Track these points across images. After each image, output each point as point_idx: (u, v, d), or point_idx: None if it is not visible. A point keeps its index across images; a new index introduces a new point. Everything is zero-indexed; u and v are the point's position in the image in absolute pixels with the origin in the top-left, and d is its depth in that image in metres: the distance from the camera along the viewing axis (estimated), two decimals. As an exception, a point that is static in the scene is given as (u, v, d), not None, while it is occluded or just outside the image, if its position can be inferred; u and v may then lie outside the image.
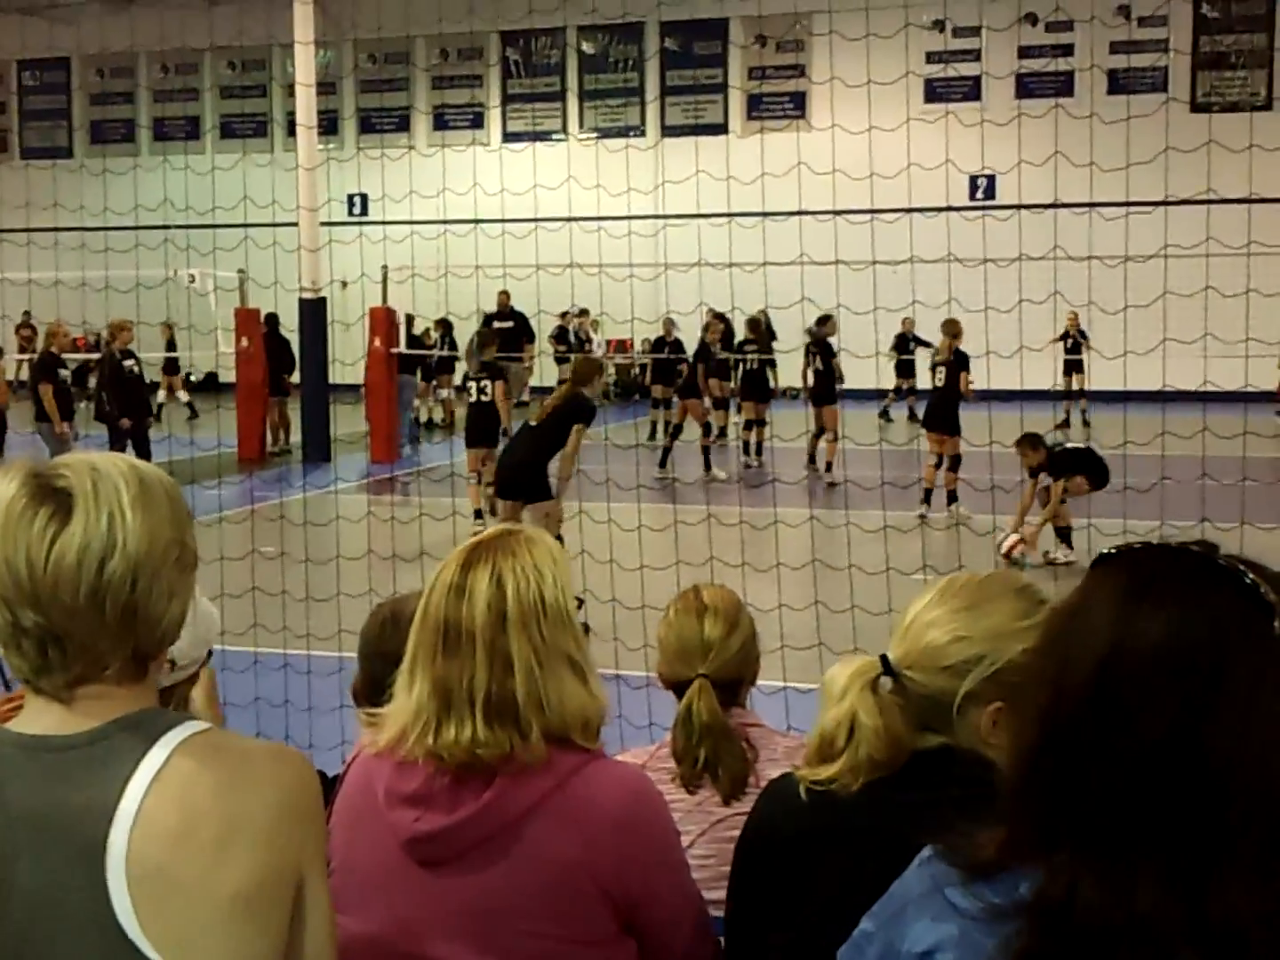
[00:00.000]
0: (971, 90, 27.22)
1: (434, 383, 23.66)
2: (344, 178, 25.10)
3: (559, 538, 8.70)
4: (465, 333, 21.42)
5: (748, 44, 29.16)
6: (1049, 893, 1.27)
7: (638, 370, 28.68)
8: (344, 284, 20.35)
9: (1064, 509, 11.51)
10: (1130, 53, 26.70)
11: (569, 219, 10.59)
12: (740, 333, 19.43)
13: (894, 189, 9.42)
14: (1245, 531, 6.61)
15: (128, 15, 25.44)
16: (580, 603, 2.24)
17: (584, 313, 24.20)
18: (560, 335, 24.70)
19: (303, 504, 10.36)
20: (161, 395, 22.54)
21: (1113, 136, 9.95)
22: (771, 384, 19.03)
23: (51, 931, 1.53)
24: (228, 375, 21.10)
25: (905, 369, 22.30)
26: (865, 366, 13.10)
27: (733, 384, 19.30)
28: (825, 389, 16.82)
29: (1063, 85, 26.67)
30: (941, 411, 13.84)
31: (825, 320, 16.77)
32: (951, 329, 13.94)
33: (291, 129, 20.53)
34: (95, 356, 16.62)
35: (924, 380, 16.07)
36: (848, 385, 17.47)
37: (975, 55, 27.41)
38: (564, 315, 22.75)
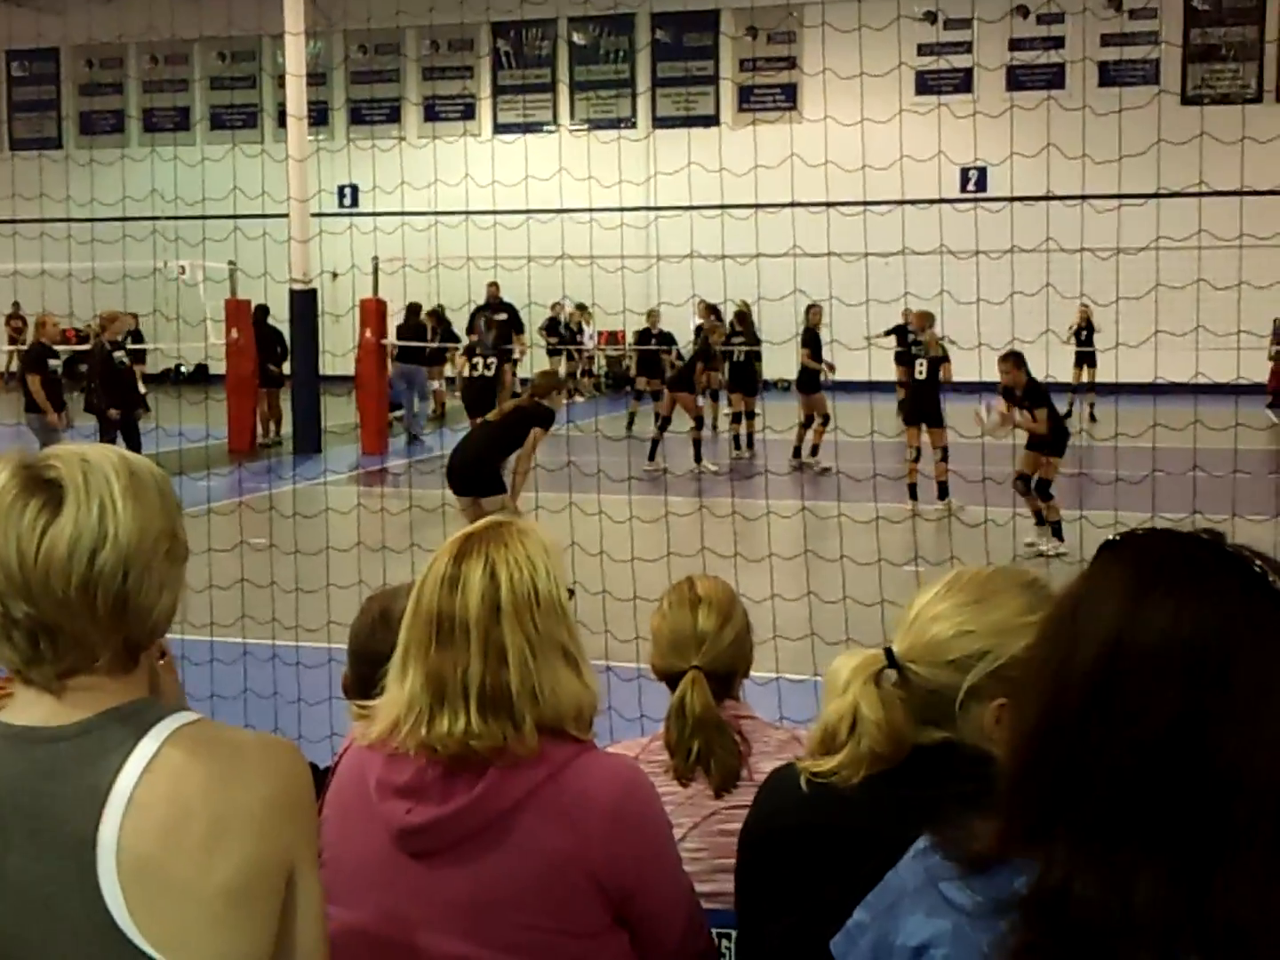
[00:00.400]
0: (963, 82, 27.24)
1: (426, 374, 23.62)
2: (334, 169, 25.04)
3: None
4: (459, 324, 21.42)
5: (739, 35, 29.13)
6: (1045, 886, 1.25)
7: (629, 362, 28.68)
8: (334, 275, 20.30)
9: (1054, 503, 11.56)
10: (1121, 45, 26.73)
11: (560, 210, 10.58)
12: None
13: (886, 181, 9.42)
14: (1236, 524, 6.62)
15: (116, 5, 25.35)
16: (571, 594, 2.23)
17: (581, 307, 24.17)
18: (551, 326, 24.68)
19: (292, 495, 10.34)
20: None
21: (1104, 129, 9.98)
22: (759, 376, 19.05)
23: (43, 924, 1.52)
24: (218, 367, 21.04)
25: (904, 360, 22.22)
26: (857, 359, 13.11)
27: (722, 376, 19.30)
28: (809, 378, 16.90)
29: (1054, 77, 26.67)
30: (930, 405, 13.88)
31: (809, 309, 16.81)
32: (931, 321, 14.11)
33: (282, 120, 20.46)
34: (85, 348, 16.58)
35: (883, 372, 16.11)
36: (839, 377, 17.45)
37: (967, 47, 27.41)
38: (555, 306, 22.72)
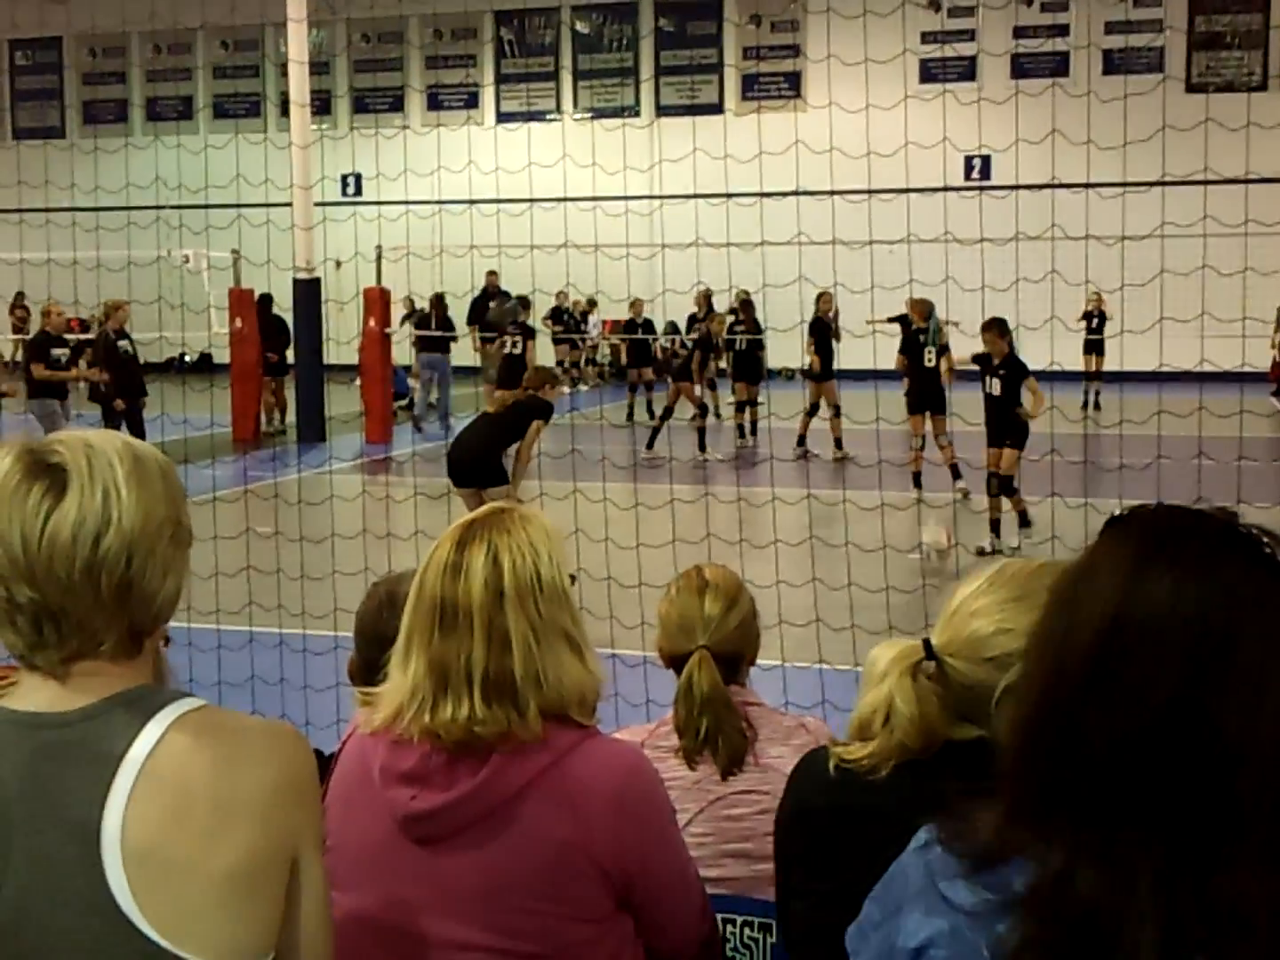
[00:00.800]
0: (967, 70, 27.19)
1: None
2: (338, 157, 25.02)
3: None
4: (462, 312, 21.39)
5: (742, 23, 29.08)
6: (1045, 878, 1.23)
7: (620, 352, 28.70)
8: (338, 263, 20.28)
9: (1017, 498, 11.39)
10: (1126, 32, 26.65)
11: (564, 199, 10.56)
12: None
13: (890, 168, 9.40)
14: (1241, 510, 6.60)
15: (120, -6, 25.33)
16: (573, 579, 2.23)
17: (592, 303, 24.18)
18: (555, 315, 24.64)
19: (298, 484, 10.35)
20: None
21: (1109, 116, 9.92)
22: (763, 365, 19.03)
23: (48, 909, 1.52)
24: (222, 356, 21.03)
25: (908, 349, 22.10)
26: (862, 346, 13.08)
27: (725, 365, 19.27)
28: (821, 366, 16.87)
29: (1058, 65, 26.62)
30: (935, 393, 13.87)
31: (818, 298, 16.80)
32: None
33: (285, 108, 20.45)
34: (89, 336, 16.58)
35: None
36: (844, 365, 17.42)
37: (971, 35, 27.36)
38: (559, 295, 22.69)
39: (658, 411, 18.33)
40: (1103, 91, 13.05)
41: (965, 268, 7.65)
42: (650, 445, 16.88)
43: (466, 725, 2.12)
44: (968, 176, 24.58)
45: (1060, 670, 1.27)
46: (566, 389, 18.42)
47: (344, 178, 28.41)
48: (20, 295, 26.13)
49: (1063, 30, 27.13)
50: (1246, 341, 8.26)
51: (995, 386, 11.49)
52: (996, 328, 11.45)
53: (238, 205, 12.49)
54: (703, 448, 17.01)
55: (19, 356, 23.74)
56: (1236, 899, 1.16)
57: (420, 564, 2.24)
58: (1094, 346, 21.37)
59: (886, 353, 21.38)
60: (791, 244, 8.05)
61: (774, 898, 2.45)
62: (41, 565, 1.54)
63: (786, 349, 19.07)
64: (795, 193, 8.99)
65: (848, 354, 17.19)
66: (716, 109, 28.57)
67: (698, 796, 2.85)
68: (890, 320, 17.84)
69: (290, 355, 19.72)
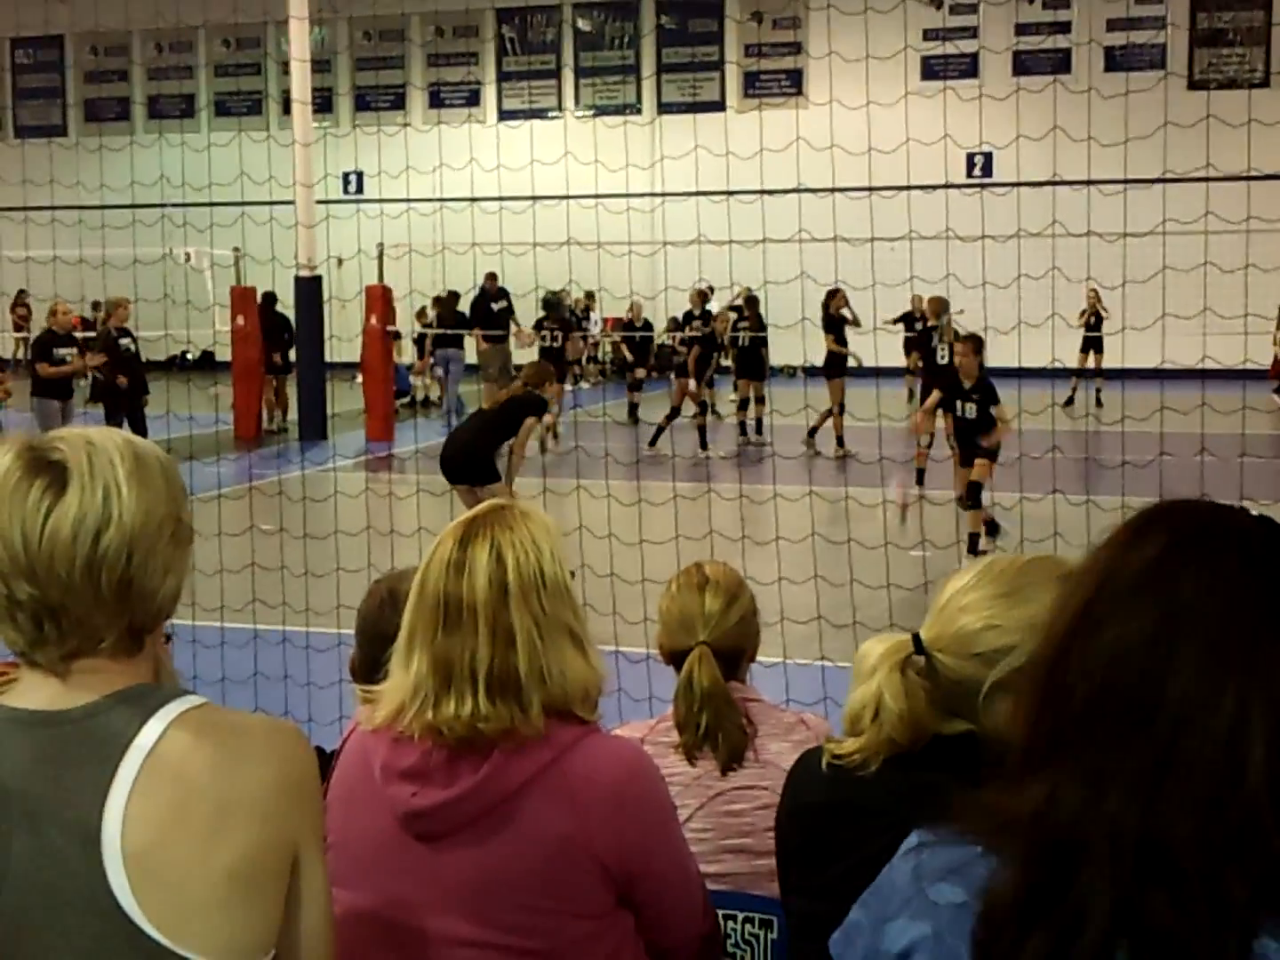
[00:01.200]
0: (969, 67, 27.17)
1: (430, 360, 23.60)
2: (339, 155, 25.00)
3: None
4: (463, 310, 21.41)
5: (744, 20, 29.07)
6: (1034, 809, 1.27)
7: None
8: (340, 261, 20.29)
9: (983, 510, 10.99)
10: (1128, 29, 26.62)
11: (566, 196, 10.54)
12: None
13: (892, 165, 9.40)
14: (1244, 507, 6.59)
15: (122, -8, 25.33)
16: (572, 575, 2.24)
17: (590, 295, 24.19)
18: (547, 307, 24.61)
19: (301, 481, 10.36)
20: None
21: (1110, 113, 9.91)
22: (766, 362, 19.00)
23: (48, 908, 1.52)
24: (224, 353, 21.04)
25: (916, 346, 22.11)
26: (864, 343, 13.09)
27: (729, 362, 19.26)
28: (831, 363, 16.84)
29: (1060, 62, 26.59)
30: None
31: (831, 295, 16.79)
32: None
33: (287, 106, 20.47)
34: (91, 334, 16.58)
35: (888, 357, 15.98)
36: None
37: (973, 32, 27.33)
38: (562, 292, 22.68)
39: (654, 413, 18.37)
40: (1104, 88, 13.02)
41: (966, 265, 7.65)
42: (653, 443, 16.87)
43: (470, 722, 2.12)
44: (969, 174, 24.56)
45: (1056, 623, 1.33)
46: (569, 386, 18.49)
47: (346, 175, 28.41)
48: (22, 293, 26.13)
49: (1064, 27, 27.11)
50: (1249, 338, 8.26)
51: (970, 410, 11.08)
52: (972, 343, 11.16)
53: (240, 203, 12.48)
54: (704, 445, 17.00)
55: (20, 355, 23.77)
56: (1163, 833, 1.20)
57: (422, 561, 2.24)
58: (1092, 344, 21.37)
59: (888, 351, 21.49)
60: (792, 241, 8.05)
61: (774, 893, 2.47)
62: (42, 562, 1.54)
63: (788, 346, 19.06)
64: (796, 190, 8.99)
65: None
66: (718, 106, 28.55)
67: (698, 792, 2.86)
68: (896, 320, 17.80)
69: (292, 353, 19.74)
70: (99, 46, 32.28)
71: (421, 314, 22.59)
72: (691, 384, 17.66)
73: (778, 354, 20.09)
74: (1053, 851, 1.24)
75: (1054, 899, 1.22)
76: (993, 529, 10.99)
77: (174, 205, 14.29)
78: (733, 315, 18.64)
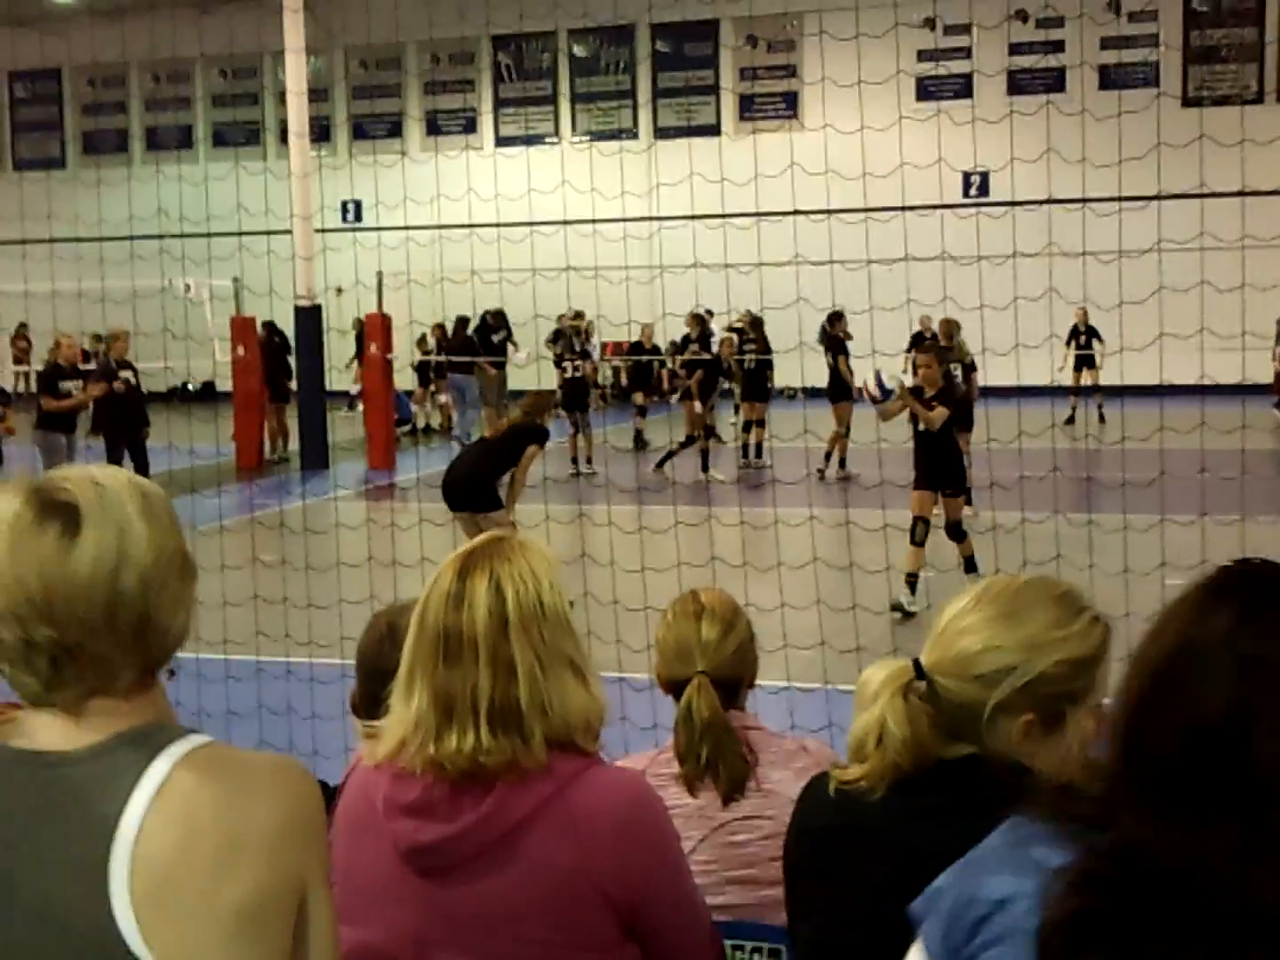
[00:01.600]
0: (963, 88, 27.21)
1: (432, 388, 23.64)
2: (337, 184, 25.10)
3: None
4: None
5: (739, 45, 29.16)
6: (1122, 838, 1.31)
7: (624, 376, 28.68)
8: (339, 291, 20.35)
9: (969, 540, 10.19)
10: (1121, 48, 26.70)
11: (563, 222, 10.57)
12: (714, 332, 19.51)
13: (887, 188, 9.42)
14: (1246, 526, 6.61)
15: (118, 25, 25.38)
16: (571, 605, 2.24)
17: (579, 315, 24.19)
18: (557, 338, 24.68)
19: (302, 512, 10.35)
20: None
21: (1105, 132, 9.97)
22: (770, 385, 19.03)
23: (54, 948, 1.52)
24: (225, 384, 21.08)
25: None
26: (862, 366, 13.09)
27: (733, 385, 19.28)
28: (836, 387, 16.84)
29: (1054, 81, 26.64)
30: (965, 411, 13.69)
31: (837, 318, 16.80)
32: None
33: (284, 136, 20.51)
34: (91, 367, 16.58)
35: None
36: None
37: (966, 53, 27.39)
38: (560, 319, 22.73)
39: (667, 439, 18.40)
40: (1098, 108, 13.07)
41: (963, 286, 7.66)
42: (660, 466, 16.90)
43: (472, 755, 2.12)
44: (966, 194, 24.62)
45: (1134, 678, 1.38)
46: (564, 413, 18.54)
47: (344, 204, 28.49)
48: (23, 326, 26.19)
49: (1058, 47, 27.16)
50: (1247, 355, 8.27)
51: (925, 413, 10.21)
52: (935, 352, 10.62)
53: (239, 234, 12.52)
54: (705, 469, 17.01)
55: (20, 388, 23.79)
56: (1257, 891, 1.24)
57: (421, 594, 2.24)
58: (1084, 361, 21.40)
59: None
60: (790, 264, 8.06)
61: (779, 923, 2.46)
62: (60, 604, 1.54)
63: (786, 369, 19.10)
64: (792, 213, 9.00)
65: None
66: (714, 130, 28.63)
67: (700, 824, 2.84)
68: (909, 350, 17.65)
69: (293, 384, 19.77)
70: (96, 79, 32.39)
71: (422, 342, 22.63)
72: (697, 406, 17.70)
73: (778, 376, 20.15)
74: (1138, 887, 1.27)
75: (1124, 930, 1.27)
76: (971, 566, 10.07)
77: (171, 236, 14.33)
78: (734, 338, 18.65)
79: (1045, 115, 9.04)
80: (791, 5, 26.58)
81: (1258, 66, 26.75)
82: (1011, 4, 25.36)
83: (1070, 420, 20.59)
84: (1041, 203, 9.33)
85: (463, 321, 20.55)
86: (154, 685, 1.65)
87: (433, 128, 30.53)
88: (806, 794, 2.33)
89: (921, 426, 10.16)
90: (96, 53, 26.79)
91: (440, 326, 22.19)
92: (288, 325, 19.21)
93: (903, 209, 8.60)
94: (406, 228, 12.89)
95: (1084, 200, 9.79)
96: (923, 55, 26.81)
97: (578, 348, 19.08)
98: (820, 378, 16.99)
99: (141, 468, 14.08)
